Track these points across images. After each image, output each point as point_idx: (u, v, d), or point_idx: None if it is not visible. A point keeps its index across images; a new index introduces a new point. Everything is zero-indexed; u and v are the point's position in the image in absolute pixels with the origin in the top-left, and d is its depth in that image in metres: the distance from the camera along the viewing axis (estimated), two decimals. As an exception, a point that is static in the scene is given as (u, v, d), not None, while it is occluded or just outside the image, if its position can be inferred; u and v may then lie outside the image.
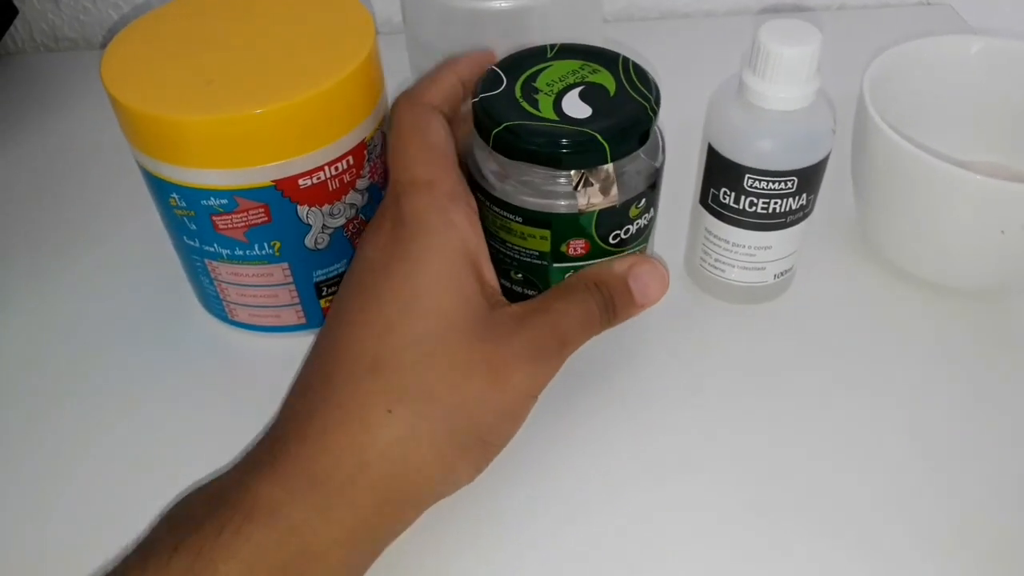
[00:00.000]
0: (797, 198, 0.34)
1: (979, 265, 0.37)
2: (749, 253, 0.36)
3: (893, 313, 0.39)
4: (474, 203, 0.32)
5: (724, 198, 0.35)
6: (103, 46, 0.39)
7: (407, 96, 0.33)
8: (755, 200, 0.34)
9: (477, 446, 0.29)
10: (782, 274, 0.38)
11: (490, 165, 0.34)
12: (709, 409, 0.36)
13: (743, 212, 0.35)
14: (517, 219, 0.34)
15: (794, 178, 0.33)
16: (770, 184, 0.34)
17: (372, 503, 0.27)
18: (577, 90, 0.33)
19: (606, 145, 0.31)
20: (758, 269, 0.37)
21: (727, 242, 0.36)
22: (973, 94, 0.42)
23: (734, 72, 0.34)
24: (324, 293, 0.37)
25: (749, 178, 0.34)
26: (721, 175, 0.35)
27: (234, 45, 0.34)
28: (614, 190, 0.33)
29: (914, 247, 0.39)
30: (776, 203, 0.34)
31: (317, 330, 0.38)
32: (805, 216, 0.36)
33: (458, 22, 0.42)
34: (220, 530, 0.25)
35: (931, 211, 0.36)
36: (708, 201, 0.36)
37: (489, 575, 0.31)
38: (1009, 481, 0.33)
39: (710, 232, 0.37)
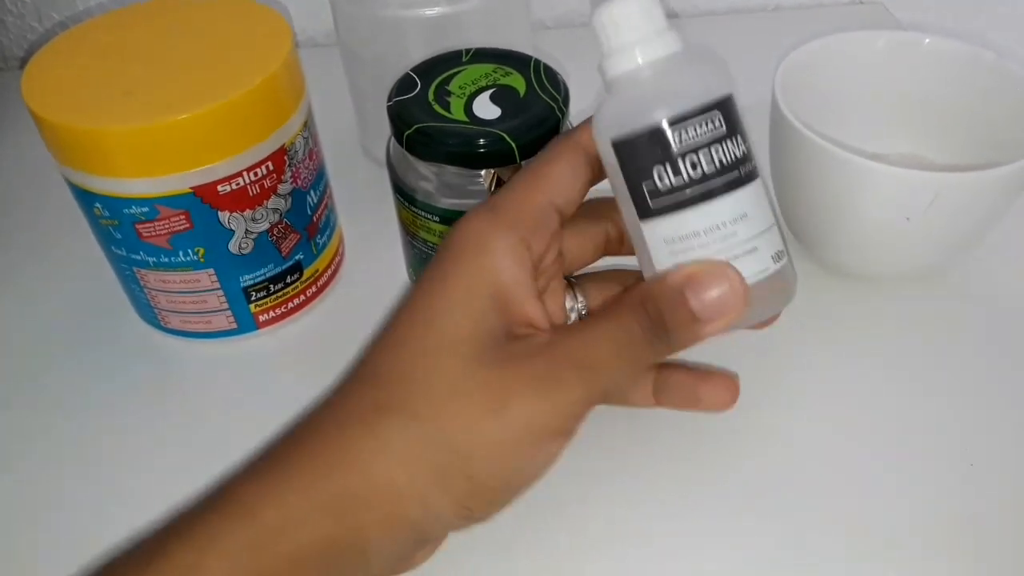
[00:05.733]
0: (734, 141, 0.28)
1: (891, 253, 0.38)
2: (729, 233, 0.28)
3: (819, 303, 0.40)
4: (545, 235, 0.29)
5: (662, 180, 0.28)
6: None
7: (564, 133, 0.31)
8: (695, 158, 0.28)
9: (459, 479, 0.26)
10: (779, 256, 0.29)
11: (413, 168, 0.35)
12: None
13: (692, 181, 0.28)
14: (435, 219, 0.34)
15: (717, 113, 0.28)
16: (698, 129, 0.28)
17: (332, 511, 0.25)
18: (488, 92, 0.34)
19: (513, 144, 0.32)
20: (750, 252, 0.28)
21: (697, 234, 0.28)
22: (883, 88, 0.43)
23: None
24: (253, 298, 0.37)
25: (674, 131, 0.27)
26: (644, 155, 0.28)
27: (153, 57, 0.34)
28: (526, 188, 0.34)
29: (831, 238, 0.40)
30: (717, 152, 0.28)
31: (248, 334, 0.39)
32: (755, 168, 0.29)
33: (385, 31, 0.43)
34: (193, 524, 0.25)
35: (842, 202, 0.37)
36: (649, 201, 0.28)
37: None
38: (958, 464, 0.34)
39: (673, 240, 0.28)
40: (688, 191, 0.28)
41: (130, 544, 0.26)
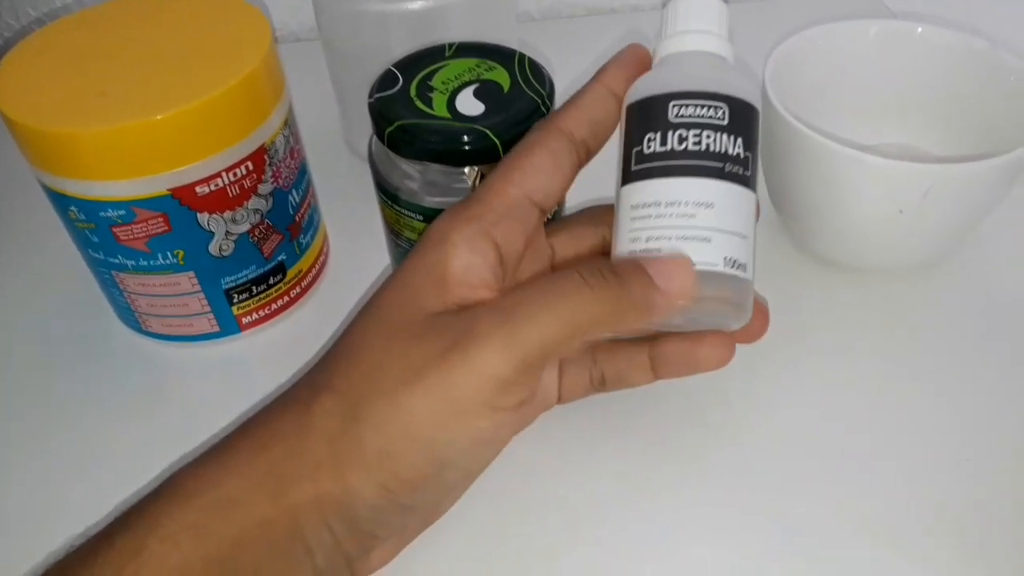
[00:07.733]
0: (732, 140, 0.28)
1: (882, 245, 0.38)
2: (687, 213, 0.28)
3: (811, 295, 0.40)
4: (516, 227, 0.28)
5: (648, 146, 0.28)
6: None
7: (546, 118, 0.31)
8: (684, 133, 0.28)
9: (376, 455, 0.25)
10: (734, 264, 0.28)
11: (396, 166, 0.34)
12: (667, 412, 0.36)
13: (672, 153, 0.28)
14: (418, 217, 0.34)
15: (724, 106, 0.28)
16: (698, 109, 0.28)
17: (267, 490, 0.25)
18: (471, 88, 0.33)
19: (497, 141, 0.31)
20: (702, 240, 0.28)
21: (658, 204, 0.28)
22: (875, 78, 0.42)
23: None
24: (235, 300, 0.37)
25: (674, 105, 0.28)
26: (643, 122, 0.29)
27: (128, 56, 0.34)
28: (512, 185, 0.33)
29: (823, 230, 0.39)
30: (708, 137, 0.28)
31: (231, 337, 0.38)
32: (747, 179, 0.29)
33: (367, 25, 0.42)
34: (137, 513, 0.26)
35: (834, 194, 0.36)
36: (632, 166, 0.29)
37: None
38: (953, 457, 0.33)
39: (638, 206, 0.28)
40: (667, 161, 0.28)
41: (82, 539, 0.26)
